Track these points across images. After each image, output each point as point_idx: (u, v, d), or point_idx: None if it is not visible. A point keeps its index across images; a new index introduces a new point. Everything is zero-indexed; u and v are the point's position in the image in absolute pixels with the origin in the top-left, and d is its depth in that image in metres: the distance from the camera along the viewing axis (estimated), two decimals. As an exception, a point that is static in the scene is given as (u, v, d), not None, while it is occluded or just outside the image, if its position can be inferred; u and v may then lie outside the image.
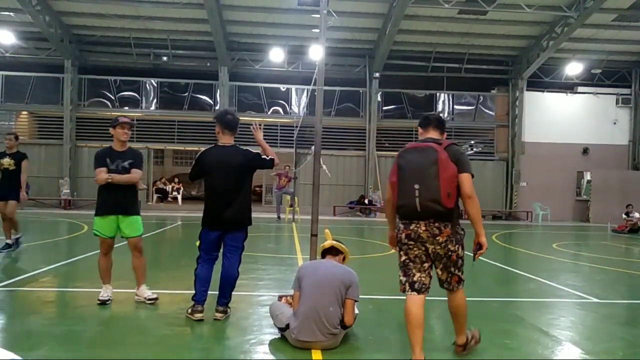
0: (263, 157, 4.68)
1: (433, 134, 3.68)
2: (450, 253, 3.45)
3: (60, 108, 20.00)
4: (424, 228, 3.41)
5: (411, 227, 3.44)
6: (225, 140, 4.68)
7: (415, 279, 3.46)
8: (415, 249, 3.47)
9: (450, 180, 3.33)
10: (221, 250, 4.71)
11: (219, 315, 4.53)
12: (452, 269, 3.50)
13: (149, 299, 5.10)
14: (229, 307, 4.68)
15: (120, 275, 7.02)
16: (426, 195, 3.33)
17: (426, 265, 3.49)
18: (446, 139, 3.75)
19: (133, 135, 24.58)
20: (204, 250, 4.64)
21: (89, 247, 9.20)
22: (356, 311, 4.08)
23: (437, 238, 3.40)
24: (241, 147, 4.72)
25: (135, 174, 5.09)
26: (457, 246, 3.47)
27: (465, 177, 3.40)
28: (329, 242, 4.38)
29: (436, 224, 3.39)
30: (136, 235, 5.15)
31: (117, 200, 4.99)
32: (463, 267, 3.56)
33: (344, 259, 4.35)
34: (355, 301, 3.95)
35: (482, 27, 18.78)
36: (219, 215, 4.53)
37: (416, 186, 3.35)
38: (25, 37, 19.44)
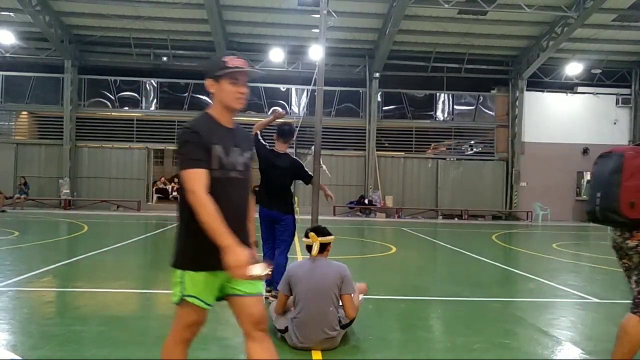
0: (306, 170, 5.51)
1: None
2: None
3: (60, 108, 19.99)
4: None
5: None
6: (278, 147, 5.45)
7: None
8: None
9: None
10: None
11: (265, 293, 5.05)
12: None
13: None
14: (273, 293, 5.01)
15: (120, 275, 7.04)
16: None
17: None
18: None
19: (133, 135, 24.55)
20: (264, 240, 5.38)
21: (89, 247, 9.22)
22: (361, 297, 4.08)
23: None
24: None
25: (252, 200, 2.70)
26: None
27: None
28: (316, 247, 4.07)
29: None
30: (261, 291, 2.55)
31: (244, 235, 2.48)
32: None
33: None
34: (352, 294, 3.90)
35: (482, 27, 18.77)
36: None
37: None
38: (25, 37, 19.43)
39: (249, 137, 2.71)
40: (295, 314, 3.83)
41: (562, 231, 16.56)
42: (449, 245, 11.32)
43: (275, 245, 5.30)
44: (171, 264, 2.41)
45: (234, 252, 2.16)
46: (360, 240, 12.81)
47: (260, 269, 2.22)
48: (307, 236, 4.07)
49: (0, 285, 5.79)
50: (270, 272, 2.29)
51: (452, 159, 21.71)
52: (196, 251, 2.32)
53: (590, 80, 21.52)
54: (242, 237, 2.40)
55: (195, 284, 2.35)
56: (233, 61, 2.44)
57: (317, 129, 5.77)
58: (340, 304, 3.87)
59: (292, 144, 5.76)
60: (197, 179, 2.27)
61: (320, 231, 4.10)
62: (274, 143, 5.46)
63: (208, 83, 2.46)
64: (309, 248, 4.09)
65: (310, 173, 5.55)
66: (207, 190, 2.25)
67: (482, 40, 19.69)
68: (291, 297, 3.96)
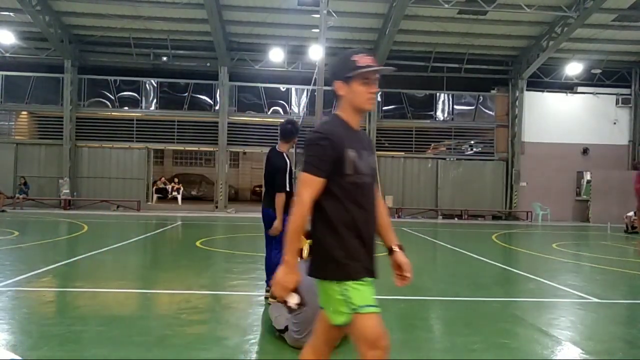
0: (280, 181, 5.12)
1: None
2: None
3: (60, 108, 19.98)
4: None
5: None
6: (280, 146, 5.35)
7: None
8: None
9: None
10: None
11: (265, 293, 5.35)
12: None
13: None
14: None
15: (120, 274, 7.04)
16: None
17: None
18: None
19: (133, 135, 24.46)
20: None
21: (88, 247, 9.22)
22: None
23: None
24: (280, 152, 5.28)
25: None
26: None
27: None
28: (306, 249, 4.19)
29: None
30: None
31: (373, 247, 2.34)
32: None
33: None
34: None
35: (482, 27, 18.77)
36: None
37: None
38: (25, 37, 19.42)
39: (370, 140, 2.61)
40: (298, 312, 3.84)
41: (561, 231, 16.56)
42: (449, 245, 11.32)
43: (273, 247, 5.28)
44: (322, 277, 2.22)
45: (289, 271, 2.15)
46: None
47: (294, 300, 2.19)
48: None
49: (0, 285, 5.79)
50: (300, 308, 2.24)
51: (452, 159, 21.70)
52: (351, 257, 2.16)
53: (590, 80, 21.52)
54: (372, 244, 2.28)
55: (361, 292, 2.14)
56: (363, 59, 2.28)
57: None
58: None
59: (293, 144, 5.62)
60: (310, 186, 2.19)
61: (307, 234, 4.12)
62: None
63: (338, 86, 2.31)
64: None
65: (286, 186, 5.05)
66: (313, 200, 2.18)
67: (482, 40, 19.69)
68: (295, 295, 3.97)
